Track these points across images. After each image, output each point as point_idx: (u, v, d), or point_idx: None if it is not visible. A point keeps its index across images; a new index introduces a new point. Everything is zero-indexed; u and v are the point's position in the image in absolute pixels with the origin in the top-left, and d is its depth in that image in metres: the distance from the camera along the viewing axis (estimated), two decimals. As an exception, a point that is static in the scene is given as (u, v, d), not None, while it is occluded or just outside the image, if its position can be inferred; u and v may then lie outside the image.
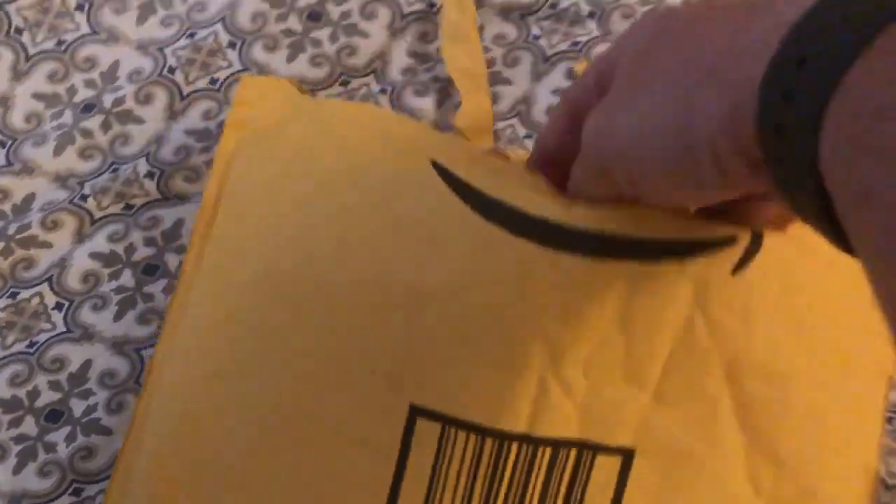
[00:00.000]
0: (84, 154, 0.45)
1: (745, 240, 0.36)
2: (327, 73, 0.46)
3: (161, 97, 0.46)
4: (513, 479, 0.35)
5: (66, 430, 0.40)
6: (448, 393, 0.35)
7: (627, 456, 0.36)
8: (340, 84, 0.46)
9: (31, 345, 0.42)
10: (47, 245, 0.43)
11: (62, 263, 0.43)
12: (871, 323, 0.33)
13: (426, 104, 0.46)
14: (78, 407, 0.40)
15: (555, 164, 0.36)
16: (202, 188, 0.44)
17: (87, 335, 0.42)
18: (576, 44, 0.47)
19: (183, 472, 0.35)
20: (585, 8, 0.48)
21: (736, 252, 0.36)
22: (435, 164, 0.37)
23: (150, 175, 0.44)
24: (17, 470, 0.40)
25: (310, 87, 0.46)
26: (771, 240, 0.36)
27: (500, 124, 0.46)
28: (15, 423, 0.41)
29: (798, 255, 0.37)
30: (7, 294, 0.43)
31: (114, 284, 0.43)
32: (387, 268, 0.36)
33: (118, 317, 0.42)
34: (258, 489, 0.35)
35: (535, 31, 0.48)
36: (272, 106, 0.40)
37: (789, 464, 0.36)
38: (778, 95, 0.25)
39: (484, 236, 0.35)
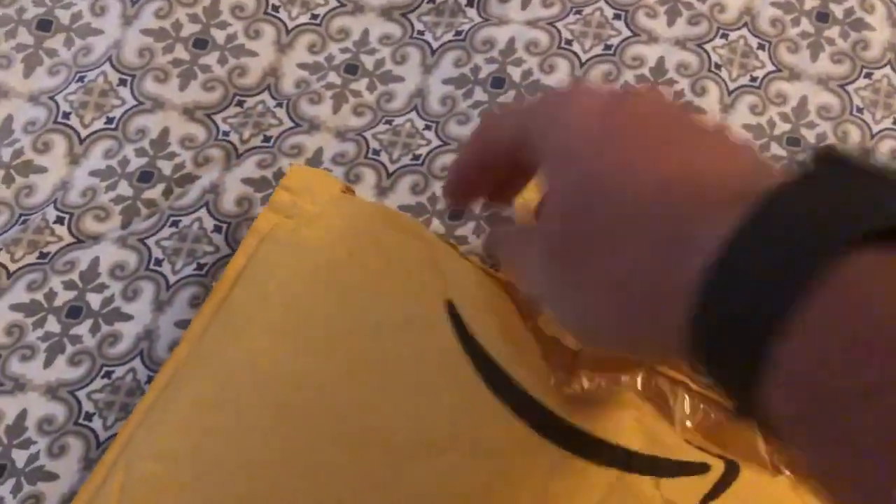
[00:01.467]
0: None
1: (718, 470, 0.35)
2: (221, 96, 0.47)
3: (59, 143, 0.46)
4: None
5: (11, 482, 0.40)
6: None
7: None
8: (236, 105, 0.47)
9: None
10: None
11: None
12: None
13: (322, 111, 0.47)
14: (20, 458, 0.40)
15: (468, 195, 0.36)
16: (114, 224, 0.45)
17: (19, 385, 0.41)
18: (459, 33, 0.49)
19: None
20: (462, -2, 0.49)
21: (708, 481, 0.35)
22: (450, 308, 0.38)
23: (59, 220, 0.44)
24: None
25: (205, 112, 0.47)
26: (748, 472, 0.36)
27: (399, 119, 0.47)
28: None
29: (768, 483, 0.36)
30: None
31: (39, 332, 0.42)
32: (380, 415, 0.36)
33: (48, 363, 0.42)
34: None
35: (419, 26, 0.49)
36: (314, 199, 0.41)
37: None
38: (704, 354, 0.24)
39: (480, 403, 0.35)
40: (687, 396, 0.38)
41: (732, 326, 0.23)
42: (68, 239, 0.44)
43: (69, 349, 0.42)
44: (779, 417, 0.23)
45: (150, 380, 0.41)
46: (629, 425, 0.36)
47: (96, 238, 0.44)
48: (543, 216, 0.30)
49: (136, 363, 0.42)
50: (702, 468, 0.36)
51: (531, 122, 0.31)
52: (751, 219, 0.23)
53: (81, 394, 0.41)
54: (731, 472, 0.35)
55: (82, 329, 0.42)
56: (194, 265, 0.43)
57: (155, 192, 0.45)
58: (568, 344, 0.39)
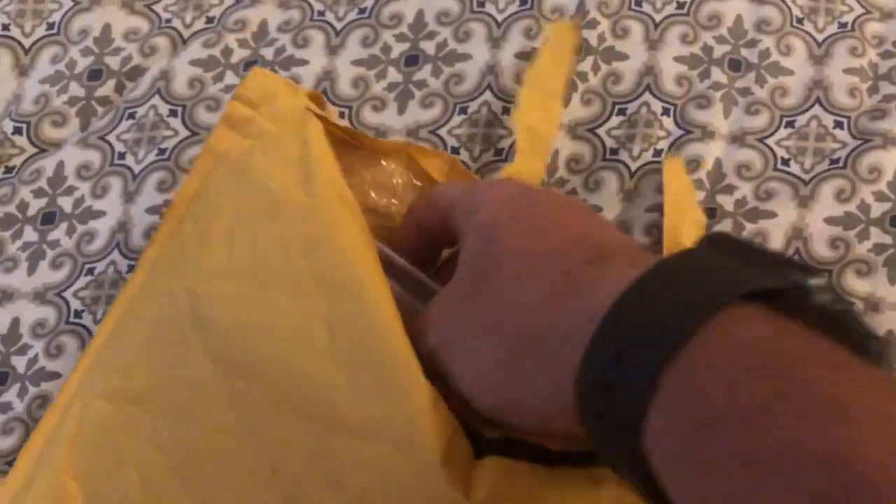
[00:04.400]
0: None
1: None
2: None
3: (5, 56, 0.46)
4: None
5: (16, 387, 0.40)
6: None
7: None
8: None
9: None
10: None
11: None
12: None
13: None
14: (20, 364, 0.41)
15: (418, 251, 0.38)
16: (73, 128, 0.44)
17: (8, 296, 0.42)
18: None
19: (89, 476, 0.35)
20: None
21: None
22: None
23: (17, 131, 0.44)
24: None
25: (144, 4, 0.46)
26: None
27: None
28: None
29: None
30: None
31: (19, 243, 0.43)
32: (319, 381, 0.34)
33: (31, 271, 0.42)
34: None
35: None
36: (274, 114, 0.39)
37: None
38: (591, 388, 0.26)
39: (419, 390, 0.33)
40: None
41: (629, 352, 0.25)
42: (30, 150, 0.44)
43: (49, 254, 0.42)
44: (663, 458, 0.24)
45: (130, 269, 0.41)
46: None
47: (58, 144, 0.44)
48: (459, 265, 0.33)
49: (115, 255, 0.42)
50: None
51: (458, 204, 0.35)
52: (642, 280, 0.26)
53: (68, 294, 0.42)
54: None
55: (59, 233, 0.43)
56: (156, 151, 0.43)
57: (107, 89, 0.45)
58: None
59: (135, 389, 0.36)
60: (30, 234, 0.43)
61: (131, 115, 0.44)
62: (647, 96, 0.43)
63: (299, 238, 0.36)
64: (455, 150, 0.43)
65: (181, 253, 0.39)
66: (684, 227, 0.40)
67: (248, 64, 0.45)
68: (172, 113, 0.44)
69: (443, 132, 0.44)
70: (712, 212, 0.41)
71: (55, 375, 0.40)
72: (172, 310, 0.37)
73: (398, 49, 0.45)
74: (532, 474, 0.33)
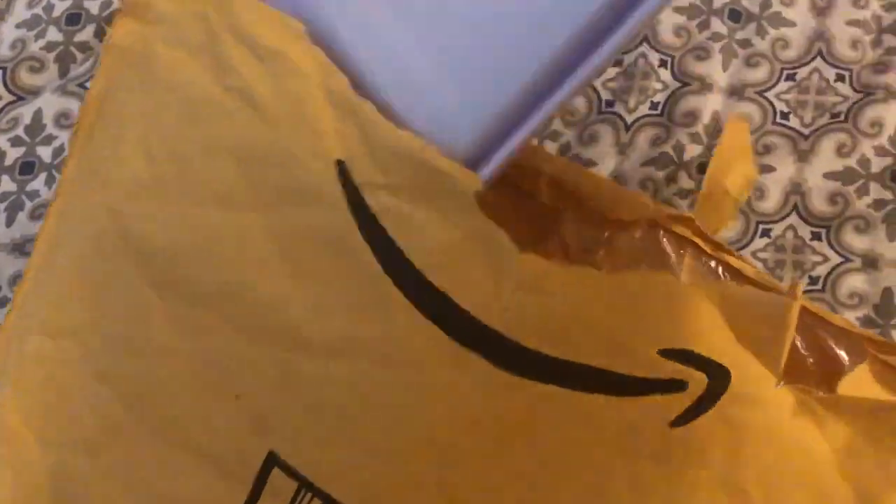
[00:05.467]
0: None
1: (698, 386, 0.30)
2: None
3: (-21, -1, 0.44)
4: None
5: None
6: (316, 458, 0.32)
7: None
8: None
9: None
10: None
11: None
12: None
13: None
14: None
15: None
16: (51, 77, 0.43)
17: None
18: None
19: (37, 417, 0.33)
20: None
21: (682, 401, 0.30)
22: (341, 169, 0.31)
23: None
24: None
25: None
26: (742, 384, 0.30)
27: None
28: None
29: (747, 415, 0.30)
30: None
31: None
32: (274, 299, 0.31)
33: (10, 222, 0.41)
34: (104, 466, 0.33)
35: None
36: None
37: None
38: None
39: (393, 304, 0.30)
40: (693, 260, 0.34)
41: None
42: (7, 97, 0.43)
43: (28, 205, 0.41)
44: None
45: None
46: (590, 335, 0.30)
47: (35, 92, 0.43)
48: None
49: None
50: (676, 386, 0.30)
51: None
52: None
53: None
54: (715, 388, 0.30)
55: (38, 183, 0.41)
56: (137, 99, 0.42)
57: (86, 34, 0.43)
58: (543, 198, 0.35)
59: (69, 322, 0.34)
60: (7, 184, 0.42)
61: (112, 62, 0.42)
62: (644, 47, 0.42)
63: (225, 141, 0.32)
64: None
65: (96, 167, 0.34)
66: (731, 175, 0.38)
67: None
68: (155, 59, 0.42)
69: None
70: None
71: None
72: (95, 234, 0.33)
73: None
74: None
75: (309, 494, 0.32)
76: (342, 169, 0.31)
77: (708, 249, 0.34)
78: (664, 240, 0.35)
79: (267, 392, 0.32)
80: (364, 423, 0.31)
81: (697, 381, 0.30)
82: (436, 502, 0.31)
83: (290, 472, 0.32)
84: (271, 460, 0.32)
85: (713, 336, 0.30)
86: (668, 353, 0.30)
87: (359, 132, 0.31)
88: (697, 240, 0.34)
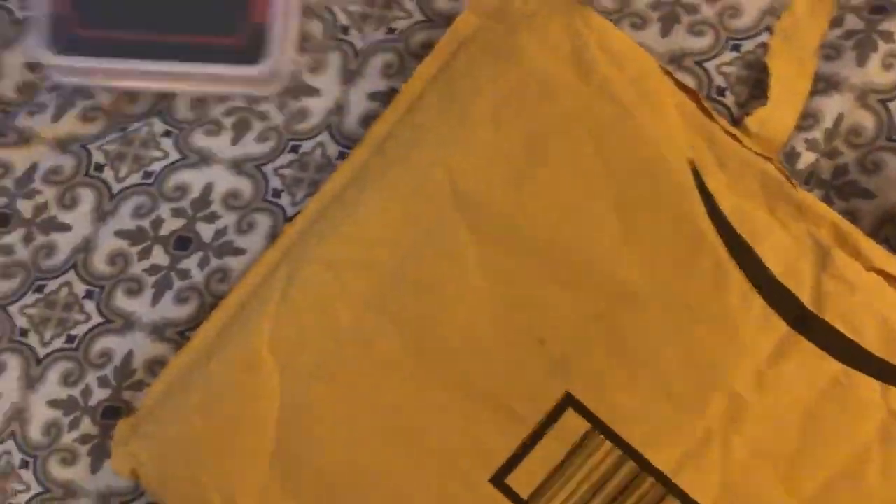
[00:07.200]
0: (86, 117, 0.43)
1: None
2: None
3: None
4: None
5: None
6: (611, 401, 0.34)
7: None
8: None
9: (70, 339, 0.41)
10: (66, 228, 0.42)
11: (86, 246, 0.42)
12: None
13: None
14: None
15: None
16: (226, 141, 0.43)
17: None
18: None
19: (288, 346, 0.36)
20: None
21: None
22: (693, 170, 0.35)
23: (167, 133, 0.43)
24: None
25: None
26: None
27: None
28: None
29: None
30: (34, 289, 0.42)
31: (146, 264, 0.42)
32: (594, 246, 0.35)
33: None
34: (349, 397, 0.35)
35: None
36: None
37: None
38: None
39: (716, 265, 0.34)
40: None
41: None
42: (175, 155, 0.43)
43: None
44: None
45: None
46: (873, 324, 0.34)
47: (207, 159, 0.43)
48: None
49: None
50: None
51: None
52: None
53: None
54: None
55: (191, 263, 0.42)
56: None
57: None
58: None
59: (361, 256, 0.36)
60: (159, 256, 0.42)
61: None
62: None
63: (582, 121, 0.36)
64: (721, 91, 0.41)
65: (430, 130, 0.38)
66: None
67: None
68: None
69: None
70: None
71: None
72: (428, 184, 0.37)
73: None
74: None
75: (600, 437, 0.34)
76: (690, 160, 0.35)
77: None
78: None
79: (573, 338, 0.34)
80: (667, 372, 0.34)
81: None
82: (719, 454, 0.33)
83: (585, 413, 0.34)
84: (567, 401, 0.34)
85: None
86: None
87: (707, 144, 0.36)
88: None
